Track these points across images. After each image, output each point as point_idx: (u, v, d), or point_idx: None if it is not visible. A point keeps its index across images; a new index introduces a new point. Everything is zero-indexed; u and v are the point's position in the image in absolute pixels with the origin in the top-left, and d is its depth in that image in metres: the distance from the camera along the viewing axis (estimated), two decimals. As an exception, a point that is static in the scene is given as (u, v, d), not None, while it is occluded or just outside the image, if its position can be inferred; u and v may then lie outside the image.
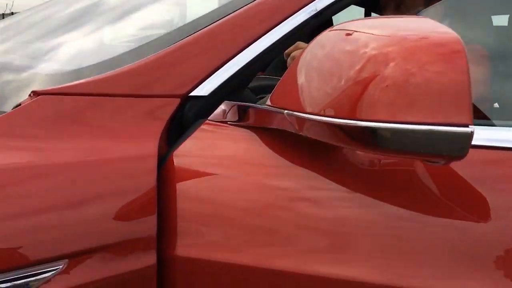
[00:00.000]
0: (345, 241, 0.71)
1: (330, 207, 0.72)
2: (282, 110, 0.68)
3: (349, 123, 0.60)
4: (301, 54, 0.70)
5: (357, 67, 0.60)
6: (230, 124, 0.76)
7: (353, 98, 0.60)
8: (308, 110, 0.64)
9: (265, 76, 1.30)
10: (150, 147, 0.72)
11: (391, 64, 0.59)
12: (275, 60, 1.20)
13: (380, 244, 0.70)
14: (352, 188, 0.71)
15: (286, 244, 0.69)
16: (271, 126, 0.73)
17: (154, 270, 0.68)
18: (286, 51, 1.01)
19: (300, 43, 1.09)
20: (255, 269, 0.69)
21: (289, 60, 1.12)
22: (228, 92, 0.80)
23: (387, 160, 0.74)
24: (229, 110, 0.77)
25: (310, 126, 0.65)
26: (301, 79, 0.67)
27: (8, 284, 0.59)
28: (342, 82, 0.60)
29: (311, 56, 0.68)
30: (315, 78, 0.64)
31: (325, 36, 0.68)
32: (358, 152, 0.72)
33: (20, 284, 0.60)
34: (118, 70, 0.78)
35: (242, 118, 0.77)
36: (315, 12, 0.84)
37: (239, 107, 0.77)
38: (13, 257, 0.60)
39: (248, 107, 0.77)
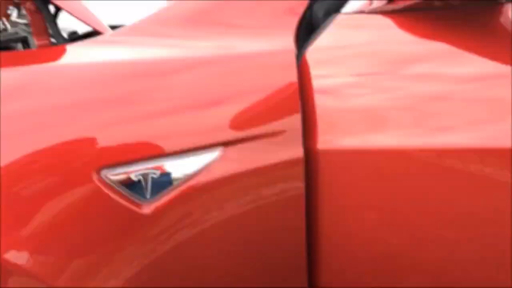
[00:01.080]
0: None
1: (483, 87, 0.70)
2: None
3: None
4: None
5: None
6: (368, 13, 0.75)
7: None
8: None
9: None
10: (287, 43, 0.72)
11: None
12: None
13: None
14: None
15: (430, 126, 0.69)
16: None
17: (301, 162, 0.69)
18: None
19: None
20: (398, 151, 0.69)
21: None
22: None
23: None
24: None
25: None
26: None
27: (165, 169, 0.64)
28: None
29: None
30: None
31: None
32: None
33: (177, 169, 0.64)
34: None
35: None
36: None
37: None
38: (176, 143, 0.64)
39: None
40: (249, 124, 0.68)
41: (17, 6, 1.14)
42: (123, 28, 0.73)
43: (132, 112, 0.63)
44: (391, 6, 0.73)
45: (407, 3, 0.71)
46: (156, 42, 0.72)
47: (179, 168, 0.63)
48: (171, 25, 0.73)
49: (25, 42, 0.82)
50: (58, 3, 0.71)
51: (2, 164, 0.59)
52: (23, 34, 0.82)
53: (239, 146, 0.67)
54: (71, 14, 0.72)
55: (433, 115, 0.70)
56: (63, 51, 0.69)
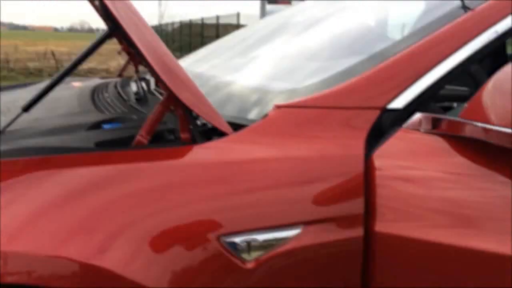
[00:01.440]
0: None
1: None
2: (476, 123, 0.89)
3: None
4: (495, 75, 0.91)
5: None
6: (422, 132, 0.98)
7: None
8: (501, 123, 0.85)
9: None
10: (359, 148, 0.97)
11: None
12: None
13: None
14: None
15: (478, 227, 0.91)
16: (462, 135, 0.94)
17: (361, 241, 0.92)
18: None
19: None
20: (446, 246, 0.91)
21: None
22: (419, 105, 1.01)
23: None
24: (423, 120, 0.98)
25: (499, 136, 0.86)
26: (495, 99, 0.87)
27: (262, 239, 0.90)
28: None
29: (506, 78, 0.87)
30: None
31: None
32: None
33: (271, 239, 0.90)
34: (335, 87, 1.04)
35: (434, 127, 0.97)
36: (495, 35, 1.00)
37: (433, 118, 0.97)
38: (266, 219, 0.90)
39: (442, 118, 0.97)
40: (324, 207, 0.93)
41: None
42: (233, 135, 1.00)
43: (240, 199, 0.91)
44: (437, 131, 0.96)
45: (449, 132, 0.94)
46: (258, 148, 0.98)
47: (273, 237, 0.90)
48: (267, 135, 0.99)
49: (171, 132, 1.13)
50: (197, 111, 1.01)
51: (152, 227, 0.87)
52: (171, 126, 1.14)
53: (316, 225, 0.92)
54: (204, 119, 1.02)
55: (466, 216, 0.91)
56: (191, 150, 0.98)
